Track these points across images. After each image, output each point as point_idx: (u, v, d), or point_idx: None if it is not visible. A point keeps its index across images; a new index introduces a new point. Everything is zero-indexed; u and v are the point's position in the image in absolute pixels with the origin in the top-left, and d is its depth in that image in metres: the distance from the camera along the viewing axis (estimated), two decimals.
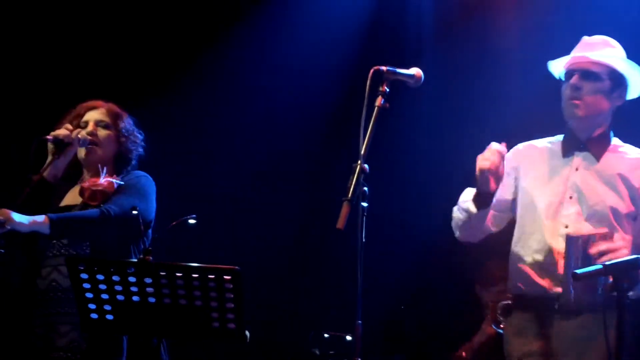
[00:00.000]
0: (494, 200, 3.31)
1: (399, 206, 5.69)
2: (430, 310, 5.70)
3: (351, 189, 2.67)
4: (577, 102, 3.30)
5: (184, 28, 5.91)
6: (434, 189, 5.61)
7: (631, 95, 3.42)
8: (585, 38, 3.45)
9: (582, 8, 4.89)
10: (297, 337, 5.54)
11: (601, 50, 3.37)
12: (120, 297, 2.85)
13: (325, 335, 5.20)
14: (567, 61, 3.40)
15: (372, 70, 2.87)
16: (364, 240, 2.67)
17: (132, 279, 2.82)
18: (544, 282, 3.27)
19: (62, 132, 3.62)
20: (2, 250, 3.34)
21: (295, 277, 5.96)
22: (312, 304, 5.89)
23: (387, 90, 2.88)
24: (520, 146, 3.54)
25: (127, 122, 3.80)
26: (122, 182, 3.62)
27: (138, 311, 2.86)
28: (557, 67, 3.47)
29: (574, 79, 3.31)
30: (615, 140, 3.42)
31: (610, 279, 2.84)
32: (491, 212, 3.39)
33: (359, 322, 2.67)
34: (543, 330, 3.26)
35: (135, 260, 2.89)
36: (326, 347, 5.18)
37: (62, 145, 3.61)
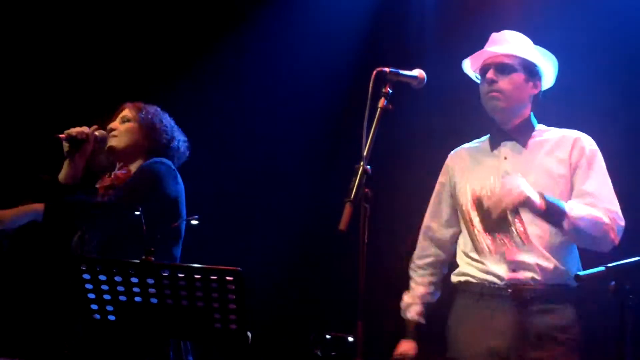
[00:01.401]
0: (446, 218, 3.57)
1: (401, 207, 5.68)
2: (432, 311, 5.69)
3: (353, 190, 2.68)
4: (495, 94, 3.38)
5: (187, 29, 5.92)
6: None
7: (546, 84, 3.50)
8: (494, 34, 3.54)
9: (584, 8, 4.89)
10: (298, 337, 5.54)
11: (510, 43, 3.45)
12: (122, 298, 2.86)
13: (327, 336, 5.19)
14: (479, 58, 3.49)
15: (375, 72, 2.87)
16: (366, 241, 2.67)
17: (134, 280, 2.82)
18: (485, 272, 3.33)
19: (75, 129, 3.61)
20: (5, 243, 3.35)
21: (297, 278, 5.96)
22: (314, 305, 5.89)
23: (390, 91, 2.88)
24: (452, 152, 3.65)
25: (147, 113, 3.78)
26: (127, 171, 3.62)
27: (140, 312, 2.86)
28: (470, 67, 3.56)
29: (490, 74, 3.40)
30: (539, 126, 3.48)
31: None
32: (451, 231, 3.59)
33: (360, 322, 2.67)
34: (487, 318, 3.31)
35: (138, 260, 2.88)
36: (328, 347, 5.18)
37: (76, 142, 3.59)
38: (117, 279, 2.83)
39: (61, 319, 3.55)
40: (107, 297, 2.86)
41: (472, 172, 3.48)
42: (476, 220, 3.26)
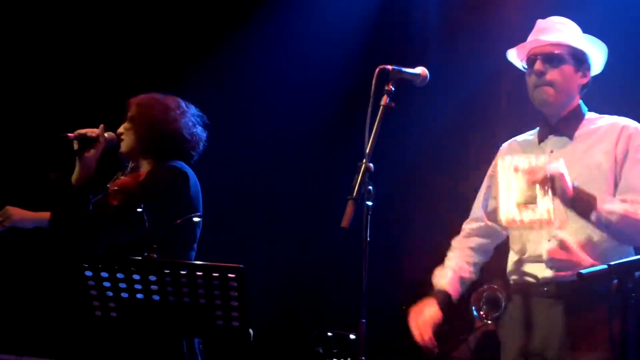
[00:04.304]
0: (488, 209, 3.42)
1: (404, 205, 5.69)
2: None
3: (356, 188, 2.67)
4: (544, 87, 3.25)
5: (190, 28, 5.93)
6: (439, 187, 5.60)
7: (594, 71, 3.36)
8: (540, 21, 3.40)
9: (584, 9, 4.89)
10: (300, 335, 5.54)
11: (557, 31, 3.32)
12: (124, 295, 2.86)
13: (329, 334, 5.19)
14: (526, 48, 3.34)
15: (377, 69, 2.87)
16: (368, 239, 2.67)
17: (136, 277, 2.82)
18: (530, 268, 3.24)
19: (86, 129, 3.57)
20: (11, 240, 3.34)
21: (300, 276, 5.96)
22: (316, 303, 5.89)
23: (393, 89, 2.88)
24: (505, 144, 3.50)
25: (144, 107, 3.64)
26: (136, 176, 3.56)
27: (142, 309, 2.86)
28: (517, 56, 3.41)
29: (537, 65, 3.25)
30: (590, 114, 3.34)
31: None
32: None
33: (363, 321, 2.67)
34: (533, 320, 3.21)
35: (140, 257, 2.88)
36: (330, 346, 5.18)
37: (87, 140, 3.54)
38: (119, 275, 2.83)
39: (64, 316, 3.54)
40: (109, 293, 2.86)
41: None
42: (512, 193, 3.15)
